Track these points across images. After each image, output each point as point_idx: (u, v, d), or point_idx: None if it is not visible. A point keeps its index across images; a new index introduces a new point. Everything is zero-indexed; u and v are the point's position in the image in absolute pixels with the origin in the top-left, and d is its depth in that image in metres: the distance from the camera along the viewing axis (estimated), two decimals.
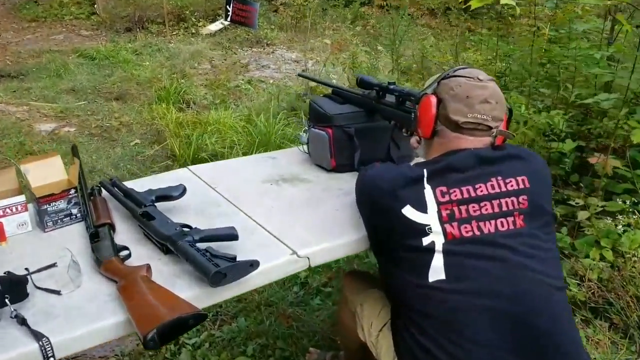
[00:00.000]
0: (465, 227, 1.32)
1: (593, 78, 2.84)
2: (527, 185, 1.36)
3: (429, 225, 1.32)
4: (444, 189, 1.35)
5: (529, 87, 2.82)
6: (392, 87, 1.78)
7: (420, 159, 1.63)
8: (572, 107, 2.60)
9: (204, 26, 8.26)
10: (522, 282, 1.29)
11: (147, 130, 4.70)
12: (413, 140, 1.71)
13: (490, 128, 1.40)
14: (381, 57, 4.53)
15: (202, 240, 1.39)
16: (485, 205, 1.33)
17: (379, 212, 1.40)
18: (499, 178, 1.35)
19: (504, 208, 1.33)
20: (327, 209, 1.66)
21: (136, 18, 8.51)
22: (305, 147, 2.04)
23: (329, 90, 2.07)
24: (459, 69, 1.46)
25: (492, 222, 1.32)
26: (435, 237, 1.32)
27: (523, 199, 1.35)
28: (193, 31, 8.14)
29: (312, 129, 1.94)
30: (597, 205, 2.31)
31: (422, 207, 1.34)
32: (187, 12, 8.50)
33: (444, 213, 1.33)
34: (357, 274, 1.68)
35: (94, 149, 4.35)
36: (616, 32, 3.23)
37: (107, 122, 4.91)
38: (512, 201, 1.34)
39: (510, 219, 1.33)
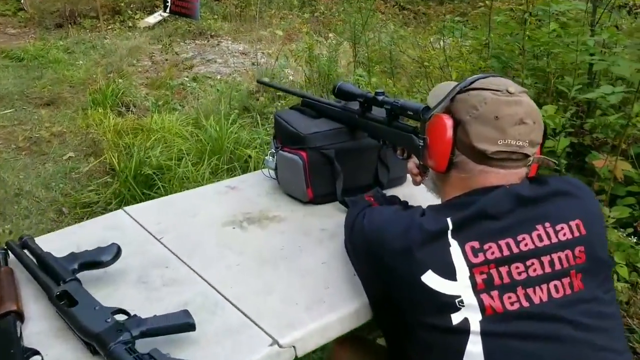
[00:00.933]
0: (509, 297, 0.97)
1: (582, 67, 2.54)
2: (583, 231, 1.02)
3: (460, 297, 0.97)
4: (476, 244, 0.99)
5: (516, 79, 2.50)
6: (380, 98, 1.40)
7: (430, 195, 1.27)
8: (570, 103, 2.29)
9: (142, 19, 7.65)
10: None
11: (81, 140, 4.18)
12: (411, 165, 1.35)
13: (527, 156, 1.05)
14: (340, 49, 4.16)
15: (144, 335, 0.99)
16: (533, 264, 0.98)
17: (389, 278, 1.04)
18: (547, 225, 1.01)
19: (557, 266, 0.99)
20: (311, 263, 1.28)
21: (67, 13, 7.81)
22: (271, 171, 1.65)
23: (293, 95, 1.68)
24: (479, 78, 1.10)
25: (544, 287, 0.98)
26: (469, 313, 0.96)
27: (580, 251, 1.01)
28: (130, 25, 7.53)
29: (281, 151, 1.55)
30: (608, 216, 2.01)
31: (449, 273, 0.98)
32: (123, 4, 7.87)
33: (479, 279, 0.97)
34: (353, 343, 1.32)
35: (21, 166, 3.81)
36: (598, 14, 2.95)
37: (37, 132, 4.35)
38: (566, 256, 1.00)
39: (566, 281, 0.99)
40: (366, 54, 3.57)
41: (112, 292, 1.19)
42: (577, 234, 1.01)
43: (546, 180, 1.07)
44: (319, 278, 1.22)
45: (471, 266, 0.98)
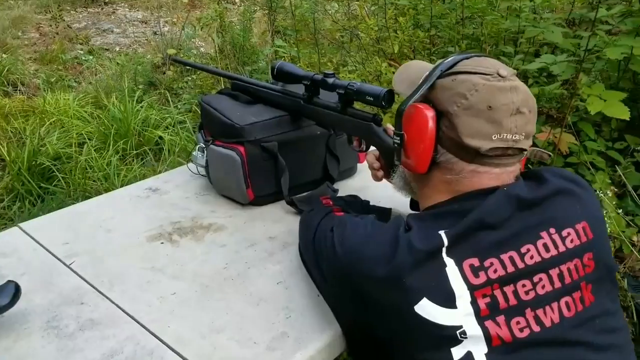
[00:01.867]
0: (518, 322, 0.81)
1: (513, 34, 2.44)
2: (590, 235, 0.88)
3: (462, 327, 0.80)
4: (475, 261, 0.82)
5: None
6: (331, 80, 1.19)
7: (387, 186, 1.09)
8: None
9: None
10: None
11: None
12: (371, 159, 1.17)
13: (523, 151, 0.89)
14: (254, 17, 3.85)
15: None
16: (541, 279, 0.83)
17: (372, 311, 0.85)
18: (552, 231, 0.85)
19: (567, 280, 0.84)
20: (264, 284, 1.07)
21: None
22: (201, 169, 1.40)
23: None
24: (462, 58, 0.91)
25: (554, 305, 0.83)
26: (473, 346, 0.80)
27: (588, 258, 0.87)
28: None
29: (213, 146, 1.30)
30: None
31: (447, 299, 0.80)
32: None
33: (482, 303, 0.81)
34: None
35: None
36: None
37: None
38: (575, 266, 0.85)
39: (577, 295, 0.85)
40: (285, 21, 3.30)
41: (10, 344, 0.92)
42: (584, 238, 0.86)
43: (543, 177, 0.91)
44: (277, 303, 1.01)
45: (472, 289, 0.81)
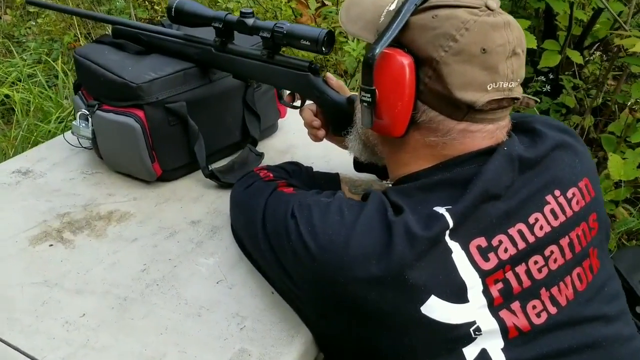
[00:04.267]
0: (534, 307, 0.69)
1: None
2: (592, 193, 0.77)
3: (475, 322, 0.66)
4: (482, 241, 0.67)
5: None
6: (250, 21, 0.95)
7: (319, 145, 0.90)
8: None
9: None
10: None
11: None
12: (308, 116, 0.98)
13: (515, 101, 0.74)
14: None
15: None
16: (553, 252, 0.71)
17: (367, 321, 0.67)
18: (557, 193, 0.73)
19: (577, 248, 0.73)
20: (198, 287, 0.85)
21: None
22: (85, 140, 1.11)
23: None
24: None
25: (567, 280, 0.71)
26: (488, 342, 0.66)
27: (593, 220, 0.76)
28: None
29: (101, 112, 1.02)
30: None
31: (458, 293, 0.65)
32: None
33: (494, 291, 0.67)
34: None
35: None
36: None
37: None
38: (583, 231, 0.74)
39: (586, 264, 0.74)
40: None
41: None
42: (588, 198, 0.75)
43: (536, 129, 0.77)
44: (224, 310, 0.80)
45: (484, 276, 0.66)
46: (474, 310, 0.66)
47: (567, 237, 0.72)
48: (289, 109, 1.24)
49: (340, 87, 0.97)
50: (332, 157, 1.15)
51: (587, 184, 0.76)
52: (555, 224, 0.71)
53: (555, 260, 0.71)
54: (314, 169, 0.98)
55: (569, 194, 0.73)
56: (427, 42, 0.68)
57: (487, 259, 0.67)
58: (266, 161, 1.13)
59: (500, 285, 0.67)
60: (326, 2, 1.71)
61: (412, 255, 0.64)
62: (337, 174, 0.98)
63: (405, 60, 0.69)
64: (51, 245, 0.92)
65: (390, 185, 0.95)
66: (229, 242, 0.93)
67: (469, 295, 0.66)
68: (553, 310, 0.69)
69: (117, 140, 1.03)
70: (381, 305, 0.65)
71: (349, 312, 0.68)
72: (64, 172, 1.11)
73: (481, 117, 0.70)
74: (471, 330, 0.66)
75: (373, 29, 0.76)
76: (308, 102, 0.99)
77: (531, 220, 0.70)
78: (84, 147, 1.16)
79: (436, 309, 0.64)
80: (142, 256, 0.90)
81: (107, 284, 0.84)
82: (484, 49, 0.67)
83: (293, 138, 1.23)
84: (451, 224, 0.65)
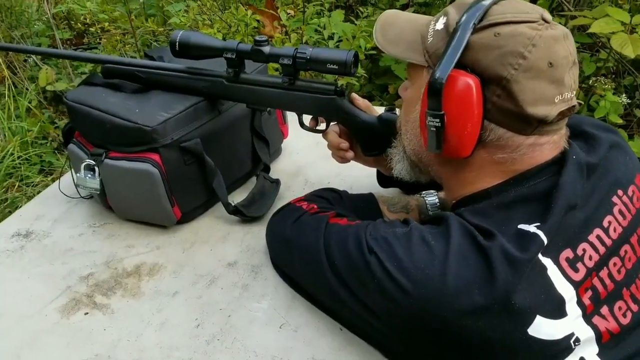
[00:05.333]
0: (620, 308, 0.70)
1: None
2: None
3: (573, 333, 0.66)
4: (569, 253, 0.68)
5: None
6: (267, 49, 0.91)
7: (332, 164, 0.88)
8: None
9: None
10: None
11: None
12: (334, 139, 0.96)
13: (575, 108, 0.75)
14: None
15: None
16: (627, 252, 0.73)
17: (471, 350, 0.66)
18: (620, 193, 0.75)
19: None
20: (261, 336, 0.80)
21: None
22: (84, 190, 1.03)
23: None
24: (491, 3, 0.71)
25: None
26: (585, 350, 0.67)
27: None
28: None
29: (110, 161, 0.95)
30: None
31: (558, 309, 0.66)
32: None
33: (586, 299, 0.68)
34: None
35: None
36: None
37: None
38: None
39: None
40: None
41: None
42: None
43: (588, 132, 0.79)
44: (300, 357, 0.77)
45: (576, 287, 0.67)
46: (572, 321, 0.66)
47: (635, 234, 0.74)
48: (290, 129, 1.21)
49: (367, 107, 0.95)
50: (346, 175, 1.13)
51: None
52: (625, 223, 0.73)
53: (629, 259, 0.72)
54: (332, 188, 0.96)
55: (630, 192, 0.75)
56: (494, 61, 0.68)
57: (576, 270, 0.68)
58: (281, 187, 1.09)
59: (589, 292, 0.68)
60: (288, 11, 1.67)
61: (515, 279, 0.63)
62: (371, 194, 0.96)
63: (473, 81, 0.68)
64: (86, 313, 0.84)
65: (436, 201, 0.96)
66: (276, 281, 0.89)
67: (567, 309, 0.66)
68: (635, 307, 0.71)
69: (132, 188, 0.96)
70: (487, 333, 0.64)
71: (449, 343, 0.66)
72: (69, 228, 1.02)
73: (548, 129, 0.71)
74: (571, 341, 0.66)
75: (419, 50, 0.75)
76: (331, 123, 0.96)
77: (605, 223, 0.71)
78: (83, 197, 1.07)
79: (542, 328, 0.64)
80: (190, 310, 0.85)
81: (164, 347, 0.79)
82: (550, 63, 0.67)
83: (299, 159, 1.20)
84: (545, 241, 0.65)
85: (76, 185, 1.00)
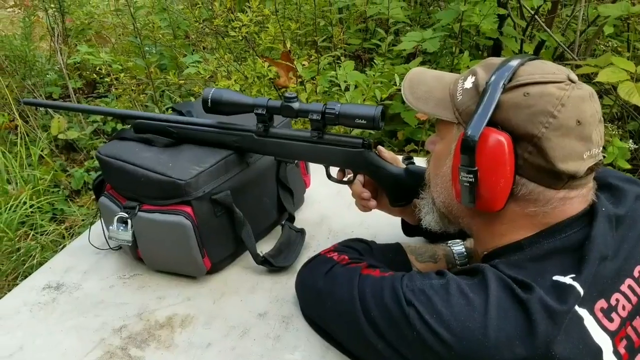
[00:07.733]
0: None
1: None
2: None
3: None
4: (604, 303, 0.70)
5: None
6: (296, 105, 0.95)
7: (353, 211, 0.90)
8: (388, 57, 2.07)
9: None
10: None
11: None
12: (358, 188, 0.99)
13: (601, 163, 0.78)
14: (32, 20, 3.15)
15: None
16: None
17: None
18: None
19: None
20: None
21: None
22: (114, 241, 1.05)
23: None
24: (520, 64, 0.75)
25: None
26: None
27: None
28: None
29: (143, 213, 0.97)
30: None
31: (595, 359, 0.67)
32: None
33: (622, 349, 0.69)
34: None
35: None
36: None
37: None
38: None
39: None
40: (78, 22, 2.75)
41: None
42: None
43: (613, 185, 0.82)
44: None
45: (612, 336, 0.69)
46: None
47: None
48: (312, 179, 1.24)
49: (393, 159, 0.98)
50: (369, 224, 1.15)
51: None
52: None
53: None
54: (360, 238, 0.98)
55: None
56: (525, 120, 0.71)
57: (611, 320, 0.69)
58: (306, 236, 1.12)
59: (624, 342, 0.70)
60: (303, 63, 1.73)
61: (555, 331, 0.65)
62: (398, 244, 0.98)
63: (505, 139, 0.71)
64: None
65: (463, 250, 0.98)
66: (307, 332, 0.90)
67: (604, 359, 0.68)
68: None
69: (165, 240, 0.98)
70: None
71: None
72: (99, 280, 1.04)
73: (578, 183, 0.73)
74: None
75: (449, 107, 0.78)
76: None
77: (636, 273, 0.73)
78: (112, 249, 1.09)
79: None
80: None
81: None
82: (579, 121, 0.70)
83: (322, 208, 1.23)
84: (582, 293, 0.67)
85: (108, 238, 1.02)
